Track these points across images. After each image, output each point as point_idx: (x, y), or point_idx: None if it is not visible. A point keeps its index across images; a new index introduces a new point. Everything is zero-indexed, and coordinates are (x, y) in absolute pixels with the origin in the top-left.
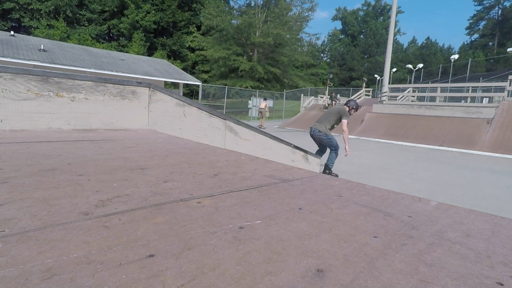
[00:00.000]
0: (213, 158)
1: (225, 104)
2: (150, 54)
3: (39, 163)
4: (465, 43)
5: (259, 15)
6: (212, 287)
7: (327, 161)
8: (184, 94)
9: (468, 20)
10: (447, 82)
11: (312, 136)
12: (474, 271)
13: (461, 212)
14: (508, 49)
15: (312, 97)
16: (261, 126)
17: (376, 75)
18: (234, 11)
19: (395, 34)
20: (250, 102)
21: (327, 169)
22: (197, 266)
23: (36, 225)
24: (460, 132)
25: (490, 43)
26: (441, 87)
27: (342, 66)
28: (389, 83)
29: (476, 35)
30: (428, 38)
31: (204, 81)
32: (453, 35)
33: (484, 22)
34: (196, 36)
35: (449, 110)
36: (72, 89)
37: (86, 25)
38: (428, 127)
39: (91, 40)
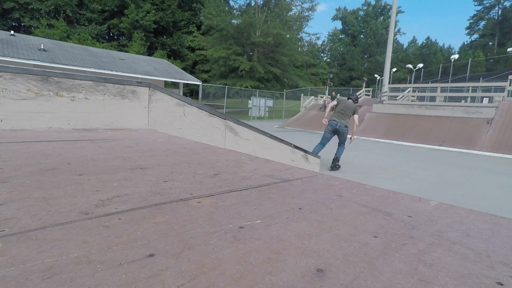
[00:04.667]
0: (213, 158)
1: (225, 104)
2: (150, 54)
3: (39, 162)
4: (465, 43)
5: (259, 14)
6: (212, 286)
7: (338, 153)
8: (184, 94)
9: (468, 20)
10: (447, 82)
11: (336, 130)
12: (474, 271)
13: (461, 212)
14: (508, 49)
15: (312, 97)
16: None
17: (376, 75)
18: (234, 11)
19: (395, 34)
20: (250, 102)
21: (337, 160)
22: (197, 266)
23: (36, 225)
24: (460, 132)
25: (490, 43)
26: (441, 87)
27: (342, 66)
28: (389, 83)
29: (476, 35)
30: (428, 38)
31: (204, 80)
32: (453, 35)
33: (484, 22)
34: (196, 36)
35: (449, 110)
36: (72, 89)
37: (86, 24)
38: (428, 127)
39: (91, 40)
